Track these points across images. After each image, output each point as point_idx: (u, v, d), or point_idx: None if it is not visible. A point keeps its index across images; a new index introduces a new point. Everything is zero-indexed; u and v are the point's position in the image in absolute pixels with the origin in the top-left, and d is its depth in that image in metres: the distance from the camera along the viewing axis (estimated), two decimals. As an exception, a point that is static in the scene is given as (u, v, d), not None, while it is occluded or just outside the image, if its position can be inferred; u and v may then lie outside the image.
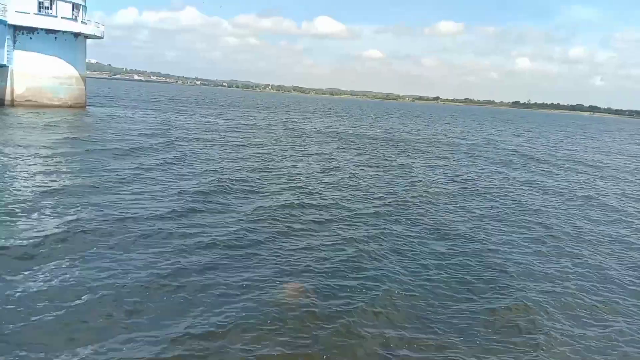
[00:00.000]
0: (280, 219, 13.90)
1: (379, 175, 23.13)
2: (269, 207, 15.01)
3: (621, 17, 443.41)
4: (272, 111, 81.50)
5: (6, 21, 40.01)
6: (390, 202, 17.13)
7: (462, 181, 22.80)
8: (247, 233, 12.34)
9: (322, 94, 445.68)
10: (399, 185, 20.65)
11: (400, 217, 15.21)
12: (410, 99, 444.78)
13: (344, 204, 16.36)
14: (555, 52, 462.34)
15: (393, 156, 30.53)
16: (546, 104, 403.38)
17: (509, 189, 21.57)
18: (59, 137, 26.25)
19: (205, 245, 11.26)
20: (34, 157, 20.19)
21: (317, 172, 22.29)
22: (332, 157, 27.86)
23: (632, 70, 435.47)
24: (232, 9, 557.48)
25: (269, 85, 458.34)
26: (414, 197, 18.32)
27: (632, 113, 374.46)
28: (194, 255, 10.58)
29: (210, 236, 11.84)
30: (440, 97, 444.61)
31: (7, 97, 42.15)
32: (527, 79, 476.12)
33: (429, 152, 34.41)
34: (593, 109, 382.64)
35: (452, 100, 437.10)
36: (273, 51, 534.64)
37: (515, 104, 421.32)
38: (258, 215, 13.99)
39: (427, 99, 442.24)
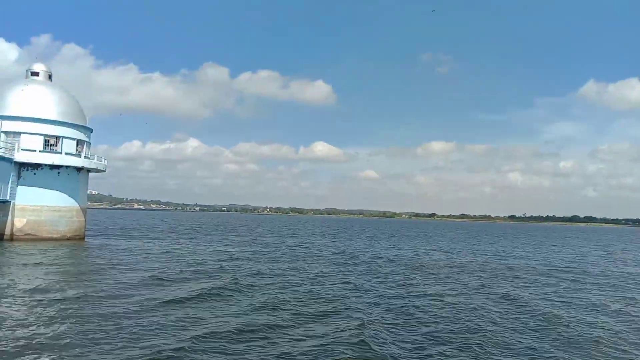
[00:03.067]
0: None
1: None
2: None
3: (603, 132, 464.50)
4: (280, 234, 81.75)
5: (13, 159, 41.59)
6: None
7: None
8: None
9: (320, 213, 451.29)
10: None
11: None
12: (406, 215, 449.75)
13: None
14: (545, 167, 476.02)
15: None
16: (542, 216, 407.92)
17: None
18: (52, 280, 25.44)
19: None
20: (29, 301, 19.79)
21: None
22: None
23: (622, 180, 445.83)
24: (233, 139, 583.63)
25: (267, 207, 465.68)
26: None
27: (628, 221, 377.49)
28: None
29: None
30: (437, 213, 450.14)
31: (7, 231, 42.40)
32: (521, 193, 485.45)
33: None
34: (589, 219, 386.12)
35: (449, 216, 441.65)
36: (271, 175, 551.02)
37: (512, 217, 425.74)
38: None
39: (424, 216, 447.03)
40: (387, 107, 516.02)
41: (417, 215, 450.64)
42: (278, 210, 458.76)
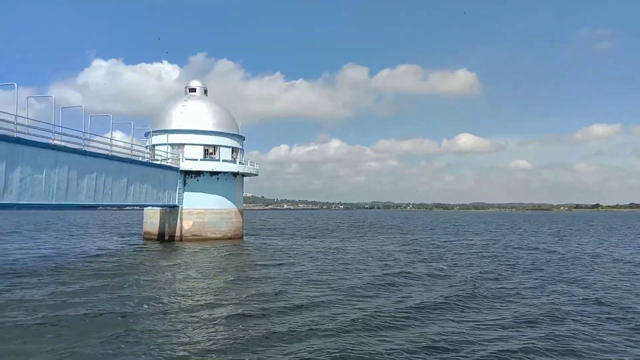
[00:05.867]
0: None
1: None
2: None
3: None
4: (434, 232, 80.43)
5: (179, 168, 46.48)
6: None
7: None
8: None
9: (466, 208, 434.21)
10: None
11: None
12: (565, 207, 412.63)
13: None
14: None
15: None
16: None
17: None
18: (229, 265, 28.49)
19: None
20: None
21: None
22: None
23: None
24: (373, 137, 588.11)
25: (409, 204, 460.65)
26: None
27: None
28: None
29: None
30: (601, 203, 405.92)
31: (177, 232, 47.49)
32: None
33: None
34: None
35: (615, 207, 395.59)
36: (413, 170, 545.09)
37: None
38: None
39: (585, 207, 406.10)
40: (537, 91, 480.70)
41: (577, 206, 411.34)
42: (421, 206, 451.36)
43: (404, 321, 16.47)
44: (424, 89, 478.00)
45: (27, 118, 29.36)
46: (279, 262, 32.50)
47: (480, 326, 15.90)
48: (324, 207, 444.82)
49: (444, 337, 14.40)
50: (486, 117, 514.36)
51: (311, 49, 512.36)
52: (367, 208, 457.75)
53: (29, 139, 28.67)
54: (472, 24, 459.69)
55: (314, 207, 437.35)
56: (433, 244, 51.30)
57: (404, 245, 49.26)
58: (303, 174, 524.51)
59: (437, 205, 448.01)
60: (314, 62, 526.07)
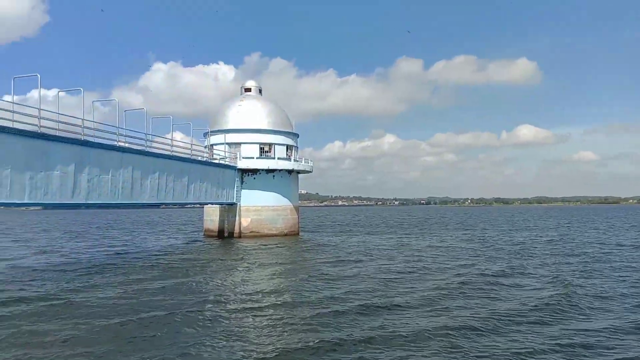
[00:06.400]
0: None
1: None
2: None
3: None
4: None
5: (236, 167, 47.47)
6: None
7: None
8: None
9: (528, 202, 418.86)
10: None
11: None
12: (634, 200, 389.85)
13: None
14: None
15: None
16: None
17: None
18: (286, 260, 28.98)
19: None
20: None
21: None
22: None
23: None
24: (428, 131, 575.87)
25: (467, 199, 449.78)
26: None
27: None
28: None
29: None
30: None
31: (236, 229, 48.54)
32: None
33: None
34: None
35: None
36: (471, 164, 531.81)
37: None
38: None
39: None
40: (602, 78, 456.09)
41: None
42: (480, 201, 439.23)
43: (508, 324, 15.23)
44: (481, 80, 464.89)
45: (93, 121, 30.91)
46: (340, 259, 32.14)
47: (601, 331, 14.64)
48: (378, 203, 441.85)
49: (567, 341, 13.51)
50: (548, 107, 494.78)
51: (364, 45, 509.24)
52: (423, 204, 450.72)
53: (95, 141, 30.15)
54: (530, 9, 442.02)
55: (368, 203, 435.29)
56: (509, 240, 49.15)
57: (478, 242, 46.45)
58: (357, 170, 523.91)
59: (497, 200, 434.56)
60: (367, 57, 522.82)
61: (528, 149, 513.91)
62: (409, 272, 26.65)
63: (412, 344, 13.27)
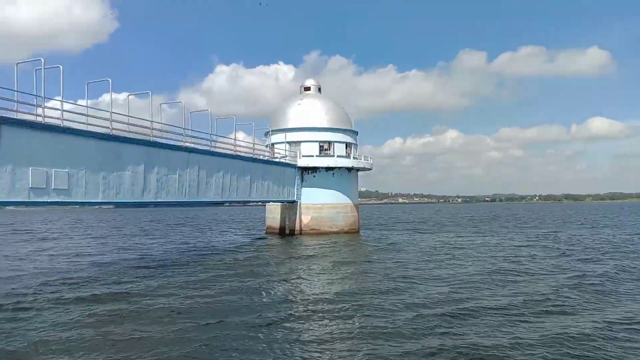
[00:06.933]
0: None
1: None
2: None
3: None
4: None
5: (296, 165, 48.12)
6: None
7: None
8: None
9: (601, 199, 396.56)
10: None
11: None
12: None
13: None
14: None
15: None
16: None
17: None
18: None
19: None
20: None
21: None
22: None
23: None
24: (493, 126, 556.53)
25: (535, 195, 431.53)
26: None
27: None
28: None
29: None
30: None
31: (297, 227, 49.20)
32: None
33: None
34: None
35: None
36: (539, 160, 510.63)
37: None
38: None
39: None
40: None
41: None
42: (549, 197, 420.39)
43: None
44: (549, 71, 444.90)
45: (161, 123, 32.31)
46: (404, 258, 31.26)
47: None
48: (440, 200, 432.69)
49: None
50: (621, 98, 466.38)
51: (424, 39, 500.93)
52: (487, 201, 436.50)
53: (163, 142, 31.51)
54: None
55: (430, 200, 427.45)
56: (598, 238, 45.92)
57: (564, 244, 40.50)
58: (418, 167, 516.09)
59: (567, 196, 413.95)
60: (428, 51, 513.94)
61: (600, 143, 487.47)
62: (503, 272, 24.73)
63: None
